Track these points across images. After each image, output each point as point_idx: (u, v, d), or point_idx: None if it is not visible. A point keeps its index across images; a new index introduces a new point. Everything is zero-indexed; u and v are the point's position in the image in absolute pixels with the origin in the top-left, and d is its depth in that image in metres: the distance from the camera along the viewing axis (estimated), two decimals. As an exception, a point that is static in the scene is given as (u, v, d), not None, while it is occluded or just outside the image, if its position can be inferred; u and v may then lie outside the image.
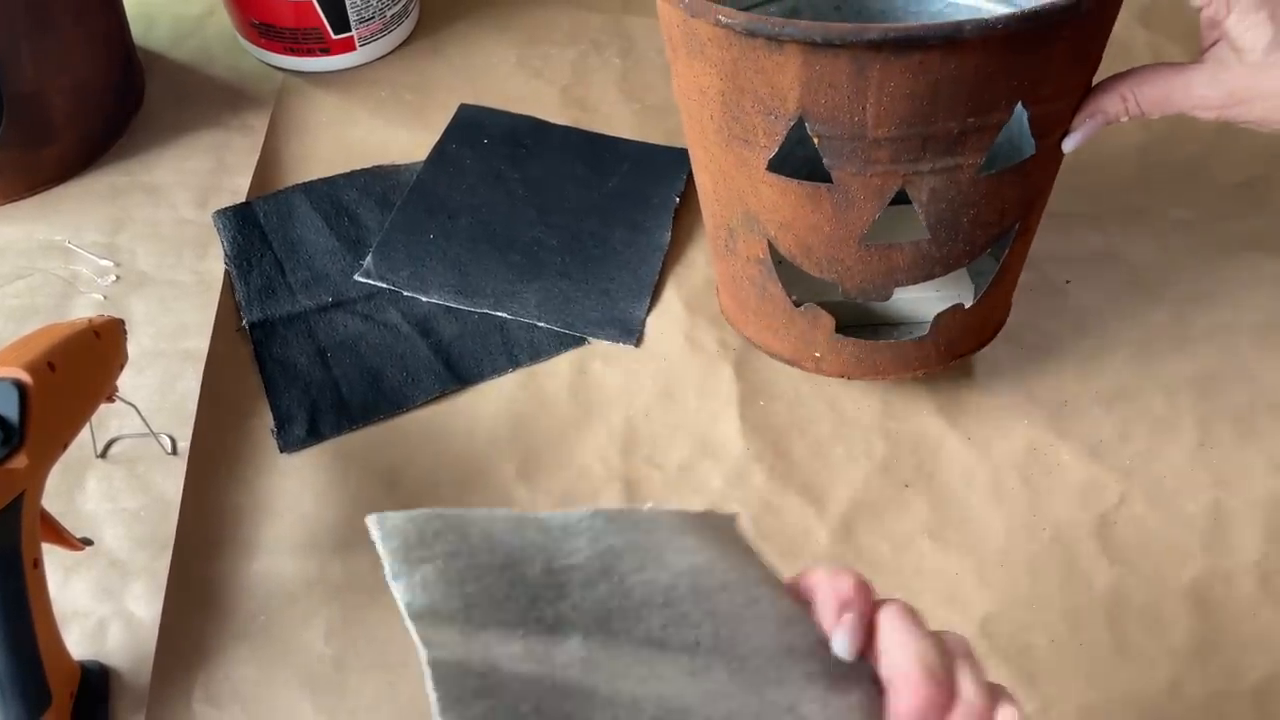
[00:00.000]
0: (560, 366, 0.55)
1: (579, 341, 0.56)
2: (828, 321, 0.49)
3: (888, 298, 0.49)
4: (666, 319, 0.57)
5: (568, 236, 0.60)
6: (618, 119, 0.67)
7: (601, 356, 0.56)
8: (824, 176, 0.43)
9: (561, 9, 0.75)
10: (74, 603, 0.46)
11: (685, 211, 0.62)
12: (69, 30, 0.59)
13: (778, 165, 0.44)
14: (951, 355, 0.52)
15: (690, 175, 0.63)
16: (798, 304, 0.49)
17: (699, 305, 0.58)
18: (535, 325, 0.56)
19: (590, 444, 0.52)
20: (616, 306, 0.57)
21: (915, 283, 0.48)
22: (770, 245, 0.48)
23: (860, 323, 0.54)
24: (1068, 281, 0.59)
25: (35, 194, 0.62)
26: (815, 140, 0.42)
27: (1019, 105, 0.41)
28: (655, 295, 0.58)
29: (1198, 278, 0.59)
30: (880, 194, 0.43)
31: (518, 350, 0.56)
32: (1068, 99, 0.43)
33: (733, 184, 0.47)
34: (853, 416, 0.53)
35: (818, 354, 0.51)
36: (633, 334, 0.56)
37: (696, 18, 0.41)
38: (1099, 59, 0.44)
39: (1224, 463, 0.52)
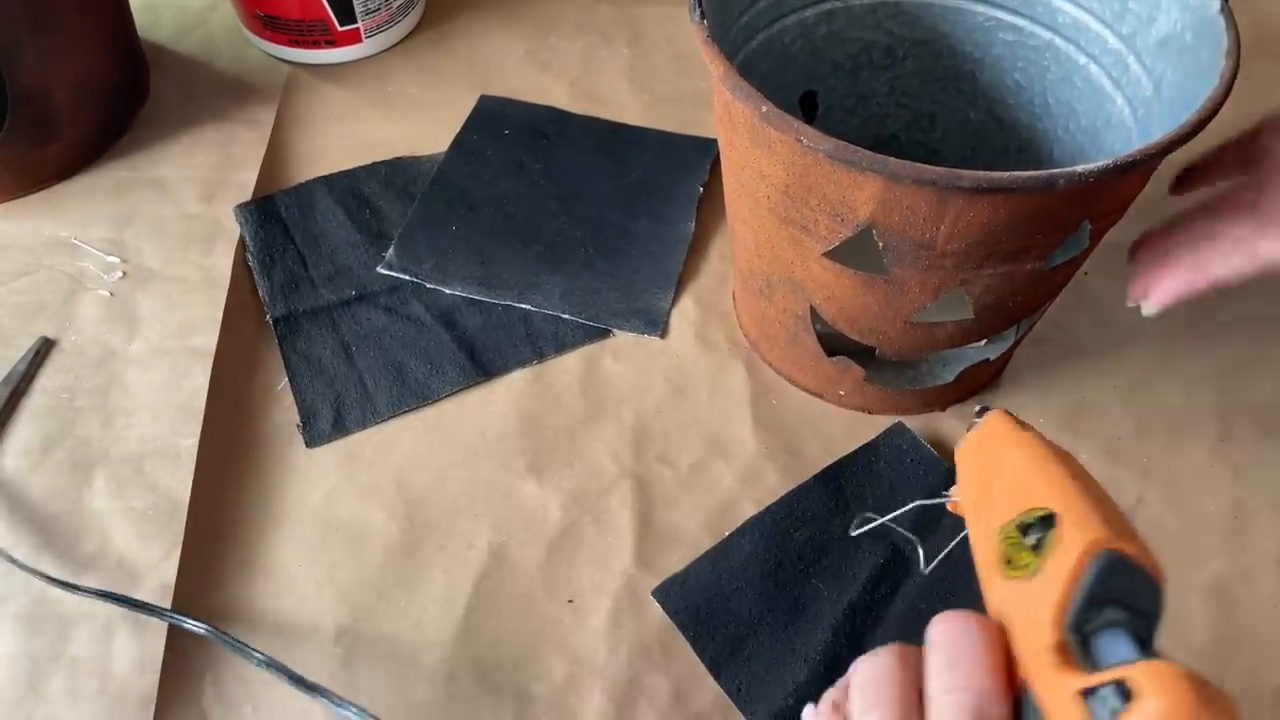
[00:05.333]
0: (571, 363, 0.55)
1: (603, 333, 0.56)
2: (858, 372, 0.50)
3: (923, 360, 0.52)
4: (678, 315, 0.57)
5: (590, 227, 0.60)
6: (628, 110, 0.67)
7: (612, 352, 0.55)
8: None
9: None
10: (82, 604, 0.46)
11: (703, 203, 0.61)
12: (73, 24, 0.58)
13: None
14: (970, 392, 0.54)
15: (714, 165, 0.62)
16: (829, 353, 0.49)
17: (710, 301, 0.57)
18: (559, 317, 0.56)
19: (601, 441, 0.52)
20: (640, 298, 0.57)
21: (952, 349, 0.49)
22: (812, 309, 0.47)
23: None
24: (1085, 273, 0.58)
25: (41, 190, 0.61)
26: (879, 244, 0.41)
27: (1085, 222, 0.41)
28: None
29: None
30: (936, 290, 0.43)
31: (542, 342, 0.55)
32: (1126, 206, 0.43)
33: (781, 254, 0.46)
34: (865, 416, 0.53)
35: (842, 392, 0.52)
36: (657, 325, 0.56)
37: (775, 130, 0.38)
38: None
39: (1244, 459, 0.51)
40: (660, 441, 0.52)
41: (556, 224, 0.60)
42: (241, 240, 0.59)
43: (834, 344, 0.49)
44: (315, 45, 0.68)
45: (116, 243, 0.59)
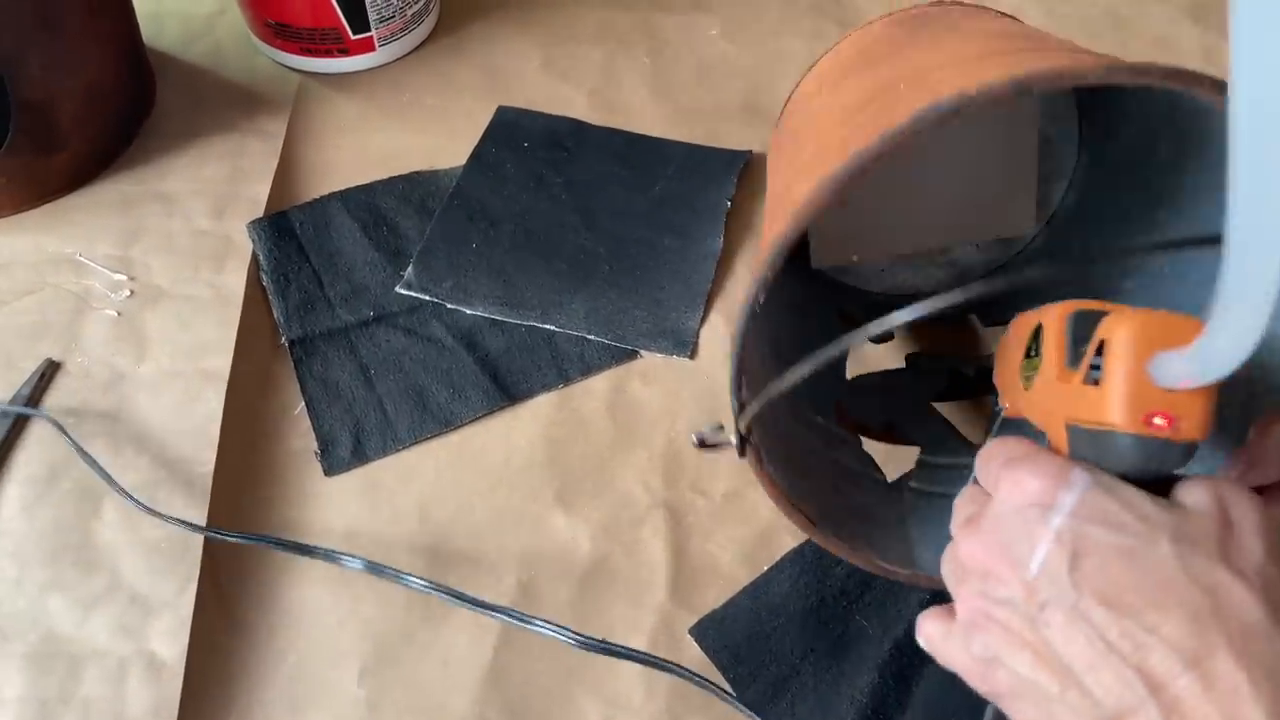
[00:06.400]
0: (598, 386, 0.53)
1: (630, 354, 0.54)
2: None
3: None
4: (707, 334, 0.55)
5: (614, 244, 0.58)
6: (650, 121, 0.65)
7: (640, 375, 0.53)
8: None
9: (587, 6, 0.72)
10: (93, 642, 0.44)
11: (731, 217, 0.59)
12: (78, 33, 0.56)
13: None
14: None
15: (740, 178, 0.61)
16: None
17: (741, 320, 0.55)
18: (584, 338, 0.54)
19: (631, 469, 0.50)
20: (668, 317, 0.55)
21: None
22: None
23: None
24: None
25: (44, 203, 0.59)
26: None
27: None
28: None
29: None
30: None
31: (567, 364, 0.53)
32: None
33: None
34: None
35: None
36: (686, 346, 0.54)
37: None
38: None
39: None
40: (693, 468, 0.50)
41: (578, 240, 0.58)
42: (254, 257, 0.57)
43: None
44: (327, 54, 0.66)
45: (123, 260, 0.57)
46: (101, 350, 0.53)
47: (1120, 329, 0.29)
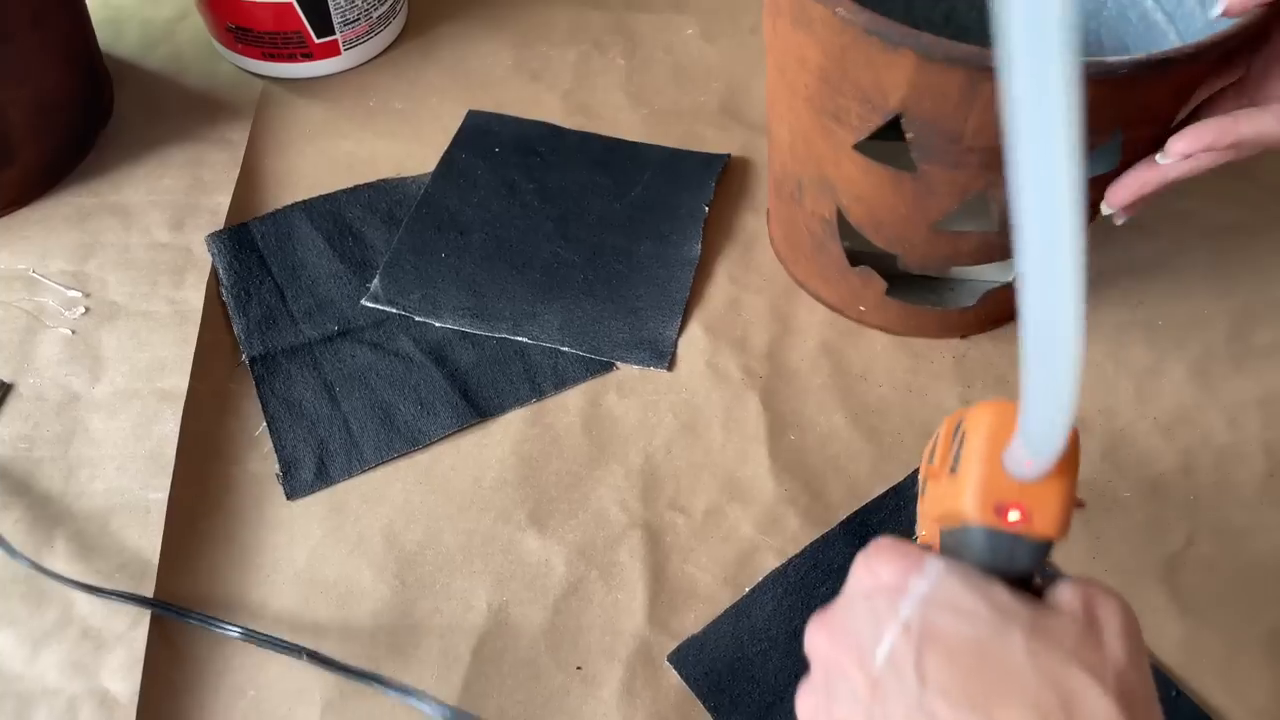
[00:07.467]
0: (572, 400, 0.51)
1: (606, 366, 0.52)
2: (879, 284, 0.51)
3: (945, 275, 0.54)
4: (686, 344, 0.53)
5: (589, 251, 0.56)
6: (625, 125, 0.63)
7: (616, 387, 0.51)
8: (898, 134, 0.42)
9: (560, 6, 0.70)
10: (41, 680, 0.42)
11: (709, 222, 0.58)
12: (27, 38, 0.54)
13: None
14: (992, 323, 0.54)
15: (719, 183, 0.59)
16: (853, 263, 0.50)
17: (721, 329, 0.53)
18: (558, 350, 0.52)
19: (607, 487, 0.48)
20: (645, 327, 0.53)
21: (975, 264, 0.49)
22: (840, 211, 0.48)
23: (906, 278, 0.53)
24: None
25: (-4, 218, 0.57)
26: (908, 134, 0.40)
27: (1117, 130, 0.40)
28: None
29: (1256, 287, 0.55)
30: (963, 192, 0.43)
31: (540, 378, 0.51)
32: (1162, 125, 0.42)
33: (813, 148, 0.46)
34: (891, 451, 0.49)
35: (863, 308, 0.53)
36: (664, 356, 0.52)
37: (816, 3, 0.39)
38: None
39: (1296, 495, 0.48)
40: (671, 485, 0.48)
41: (552, 248, 0.56)
42: (214, 272, 0.55)
43: (859, 260, 0.50)
44: (291, 58, 0.64)
45: (78, 275, 0.55)
46: (55, 370, 0.51)
47: (978, 416, 0.28)
